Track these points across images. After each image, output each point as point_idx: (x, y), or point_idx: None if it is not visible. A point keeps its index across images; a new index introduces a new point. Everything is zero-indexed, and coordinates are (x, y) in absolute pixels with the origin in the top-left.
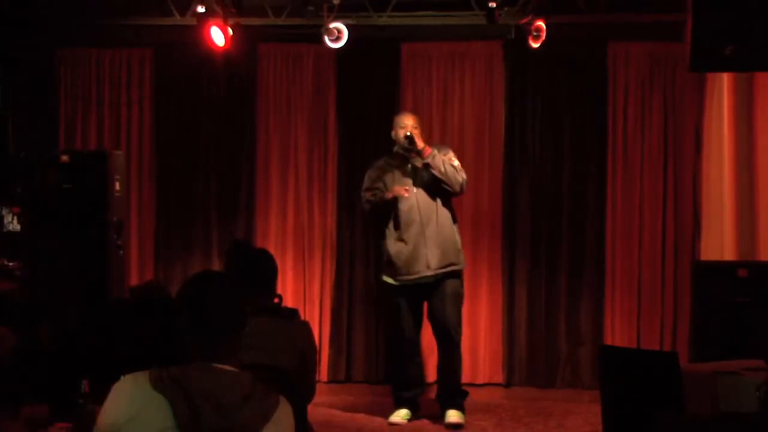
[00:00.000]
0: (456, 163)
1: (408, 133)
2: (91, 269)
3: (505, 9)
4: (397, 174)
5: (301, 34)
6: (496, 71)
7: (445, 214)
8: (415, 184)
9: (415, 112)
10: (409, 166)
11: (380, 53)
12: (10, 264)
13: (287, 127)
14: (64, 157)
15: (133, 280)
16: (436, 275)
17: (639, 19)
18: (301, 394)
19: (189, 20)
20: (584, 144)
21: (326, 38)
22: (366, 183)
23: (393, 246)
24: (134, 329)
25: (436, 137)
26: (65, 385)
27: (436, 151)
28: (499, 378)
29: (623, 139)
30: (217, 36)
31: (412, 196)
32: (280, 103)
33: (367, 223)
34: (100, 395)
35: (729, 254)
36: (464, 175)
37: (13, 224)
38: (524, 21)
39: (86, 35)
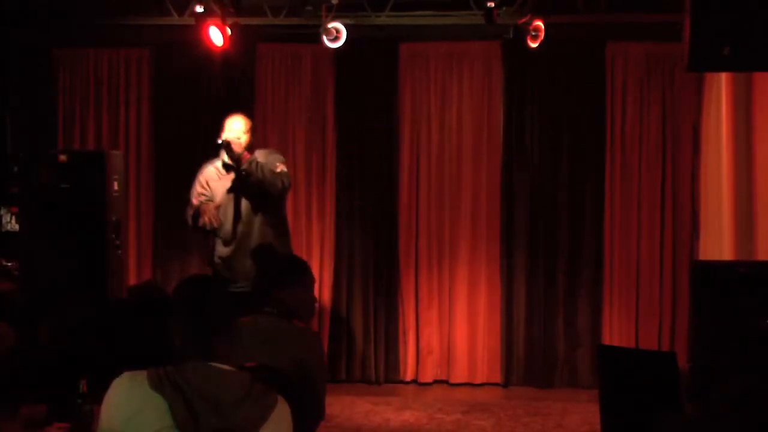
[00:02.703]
0: (280, 169)
1: (221, 141)
2: (90, 269)
3: (504, 9)
4: (222, 180)
5: (299, 34)
6: (494, 71)
7: (265, 225)
8: (234, 191)
9: (414, 111)
10: (232, 173)
11: (379, 53)
12: (9, 264)
13: (285, 127)
14: (62, 157)
15: (132, 280)
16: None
17: (637, 19)
18: (299, 400)
19: (187, 20)
20: (582, 144)
21: (325, 38)
22: (195, 187)
23: (219, 252)
24: (133, 329)
25: (435, 137)
26: (64, 385)
27: (255, 157)
28: (498, 378)
29: (621, 139)
30: (216, 36)
31: (230, 205)
32: (279, 103)
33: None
34: (98, 395)
35: (727, 254)
36: (285, 181)
37: (11, 224)
38: (523, 21)
39: (84, 35)
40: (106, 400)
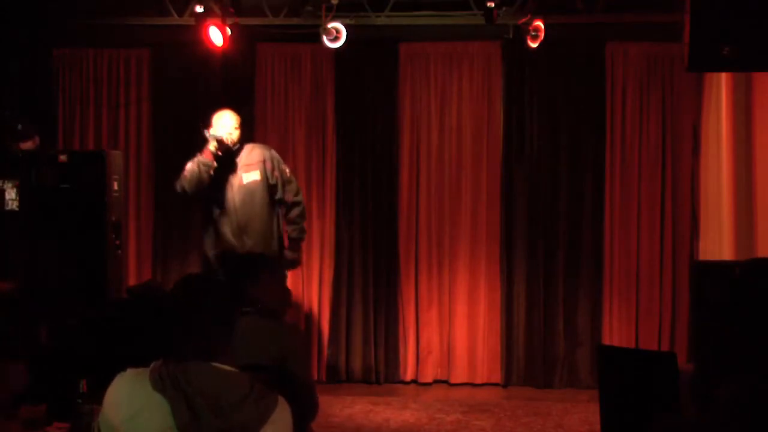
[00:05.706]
0: (288, 174)
1: (214, 135)
2: (90, 269)
3: (504, 9)
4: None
5: (299, 34)
6: (494, 71)
7: (267, 211)
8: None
9: (413, 111)
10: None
11: (378, 53)
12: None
13: (285, 127)
14: (63, 157)
15: (132, 280)
16: None
17: (637, 19)
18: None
19: (187, 20)
20: (582, 144)
21: (324, 38)
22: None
23: (221, 235)
24: (133, 329)
25: (435, 137)
26: (64, 385)
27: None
28: (498, 378)
29: (621, 139)
30: (215, 36)
31: (234, 190)
32: (279, 103)
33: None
34: (98, 395)
35: (727, 254)
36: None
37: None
38: (523, 21)
39: (84, 35)
40: (107, 397)
